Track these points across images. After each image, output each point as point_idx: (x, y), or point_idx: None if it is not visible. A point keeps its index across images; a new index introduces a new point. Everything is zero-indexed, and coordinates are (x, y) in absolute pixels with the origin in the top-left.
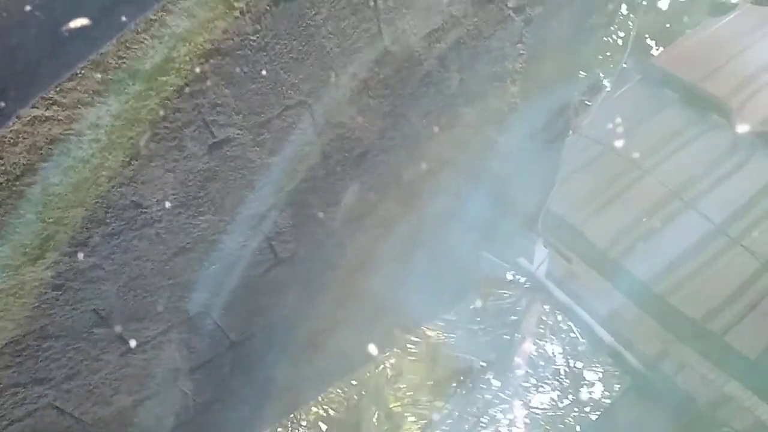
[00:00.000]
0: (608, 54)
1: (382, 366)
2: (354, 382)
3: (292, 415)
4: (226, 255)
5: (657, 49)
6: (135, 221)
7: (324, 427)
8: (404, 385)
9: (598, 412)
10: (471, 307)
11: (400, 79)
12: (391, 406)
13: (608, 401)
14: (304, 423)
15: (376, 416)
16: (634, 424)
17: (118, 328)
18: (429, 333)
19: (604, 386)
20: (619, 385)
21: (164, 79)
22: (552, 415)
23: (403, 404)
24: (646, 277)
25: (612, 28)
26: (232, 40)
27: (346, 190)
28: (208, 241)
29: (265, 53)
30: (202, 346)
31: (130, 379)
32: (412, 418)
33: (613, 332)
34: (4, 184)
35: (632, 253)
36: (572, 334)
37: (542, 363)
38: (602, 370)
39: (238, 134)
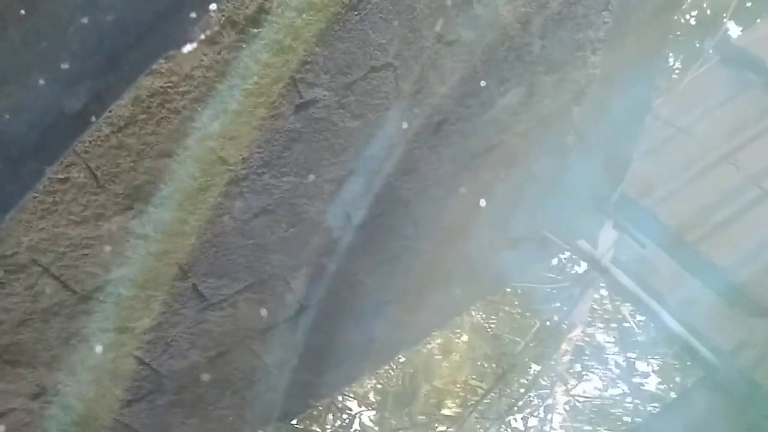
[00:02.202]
0: (679, 33)
1: (430, 345)
2: (402, 359)
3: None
4: (303, 218)
5: (738, 30)
6: (221, 177)
7: (377, 398)
8: (448, 364)
9: (655, 404)
10: (519, 291)
11: (482, 43)
12: (436, 383)
13: (665, 393)
14: (360, 392)
15: (424, 391)
16: (705, 417)
17: (198, 284)
18: (474, 314)
19: (660, 378)
20: (678, 378)
21: (257, 31)
22: (599, 404)
23: (447, 382)
24: (726, 265)
25: (687, 6)
26: None
27: (421, 159)
28: (288, 203)
29: (356, 11)
30: (274, 308)
31: (204, 336)
32: (454, 396)
33: (685, 322)
34: (109, 135)
35: (710, 239)
36: (626, 324)
37: (592, 352)
38: (659, 362)
39: (324, 95)
